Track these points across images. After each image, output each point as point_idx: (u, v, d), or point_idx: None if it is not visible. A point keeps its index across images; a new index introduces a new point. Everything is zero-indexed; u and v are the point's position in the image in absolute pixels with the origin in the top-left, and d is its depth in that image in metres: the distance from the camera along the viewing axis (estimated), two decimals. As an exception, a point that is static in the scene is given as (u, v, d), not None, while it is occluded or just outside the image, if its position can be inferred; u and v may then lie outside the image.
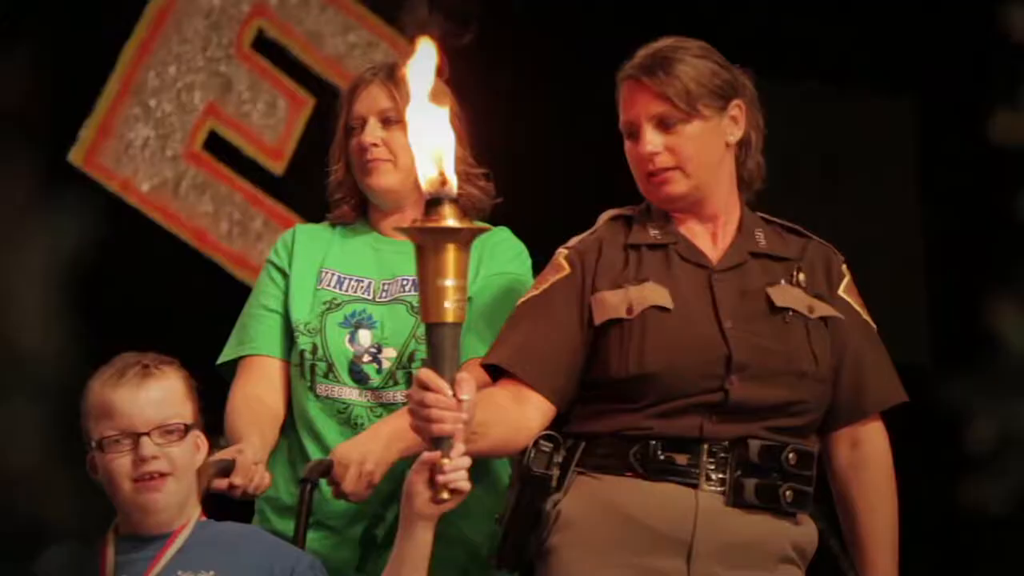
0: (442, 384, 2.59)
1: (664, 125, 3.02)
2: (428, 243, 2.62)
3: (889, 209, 5.33)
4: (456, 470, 2.63)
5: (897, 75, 5.28)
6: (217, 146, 4.88)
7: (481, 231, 2.76)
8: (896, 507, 3.15)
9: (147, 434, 2.85)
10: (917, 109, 5.37)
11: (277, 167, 4.93)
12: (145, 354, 2.93)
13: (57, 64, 4.47)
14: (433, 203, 2.61)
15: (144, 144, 4.80)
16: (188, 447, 2.89)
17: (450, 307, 2.61)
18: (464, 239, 2.63)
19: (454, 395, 2.59)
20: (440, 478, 2.63)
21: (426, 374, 2.60)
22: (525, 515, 3.00)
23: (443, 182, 2.61)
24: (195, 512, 2.93)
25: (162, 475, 2.86)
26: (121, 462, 2.85)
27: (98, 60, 4.76)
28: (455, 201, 2.61)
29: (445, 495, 2.64)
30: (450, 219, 2.60)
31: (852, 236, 3.41)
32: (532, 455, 2.97)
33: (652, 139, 3.01)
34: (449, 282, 2.61)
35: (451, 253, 2.61)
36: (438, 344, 2.61)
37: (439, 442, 2.63)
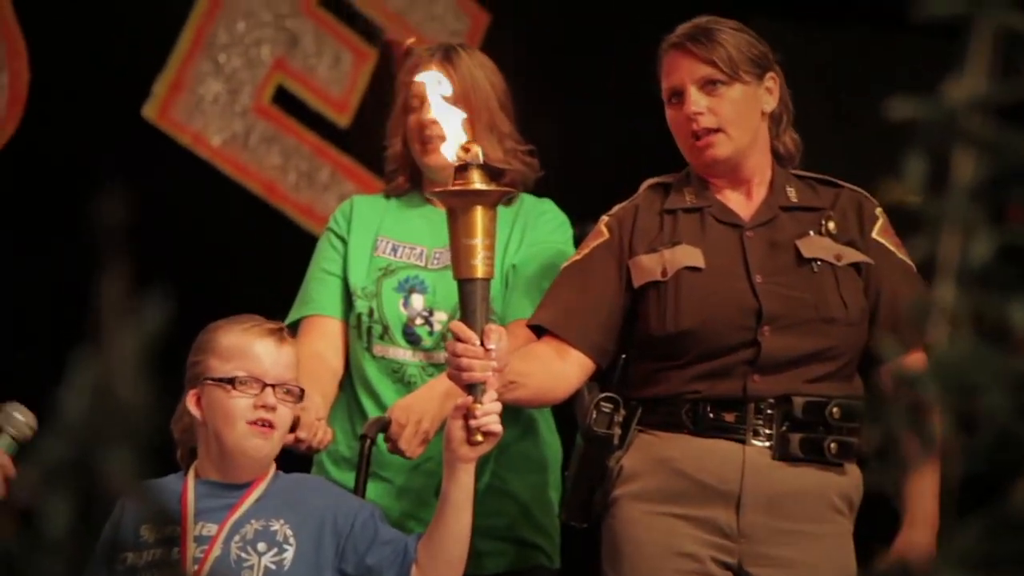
0: (471, 334, 2.77)
1: (709, 87, 3.11)
2: (457, 205, 2.81)
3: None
4: (487, 414, 2.79)
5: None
6: (285, 100, 4.88)
7: (506, 193, 2.95)
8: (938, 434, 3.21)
9: (273, 386, 2.95)
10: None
11: (342, 119, 4.93)
12: (270, 320, 3.03)
13: (132, 23, 4.55)
14: (461, 169, 2.80)
15: (215, 99, 4.81)
16: (291, 412, 2.99)
17: (478, 264, 2.79)
18: (490, 201, 2.81)
19: (482, 344, 2.78)
20: (473, 422, 2.79)
21: (457, 326, 2.79)
22: (590, 471, 3.12)
23: (467, 149, 2.80)
24: (271, 467, 3.01)
25: (272, 426, 2.95)
26: (244, 402, 2.92)
27: (171, 18, 4.76)
28: (481, 166, 2.78)
29: (479, 437, 2.81)
30: (477, 183, 2.79)
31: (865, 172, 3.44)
32: (594, 416, 3.08)
33: (697, 99, 3.10)
34: (477, 240, 2.79)
35: (478, 214, 2.79)
36: (468, 298, 2.80)
37: (472, 388, 2.80)
